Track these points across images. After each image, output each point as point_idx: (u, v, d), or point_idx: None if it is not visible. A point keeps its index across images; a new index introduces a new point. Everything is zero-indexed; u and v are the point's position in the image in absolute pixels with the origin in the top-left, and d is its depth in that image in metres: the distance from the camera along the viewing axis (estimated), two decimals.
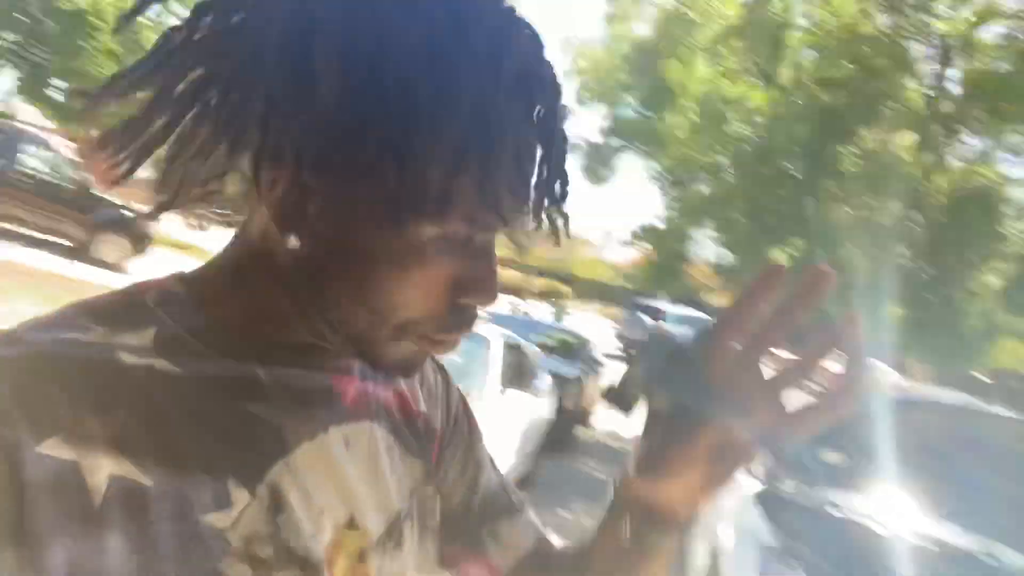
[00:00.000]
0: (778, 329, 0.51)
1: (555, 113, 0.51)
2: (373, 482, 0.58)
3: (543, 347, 9.51)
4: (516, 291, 25.16)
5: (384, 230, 0.47)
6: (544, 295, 30.38)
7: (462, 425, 0.71)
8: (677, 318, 19.60)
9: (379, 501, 0.58)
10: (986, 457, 3.63)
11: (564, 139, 0.52)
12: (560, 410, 7.94)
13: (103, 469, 0.44)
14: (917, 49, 8.09)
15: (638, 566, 0.58)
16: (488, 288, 0.50)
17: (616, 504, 0.59)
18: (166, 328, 0.50)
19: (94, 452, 0.43)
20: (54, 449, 0.42)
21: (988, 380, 17.26)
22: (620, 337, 19.66)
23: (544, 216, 0.53)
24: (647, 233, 9.66)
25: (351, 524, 0.55)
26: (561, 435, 8.11)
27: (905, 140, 8.16)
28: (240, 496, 0.48)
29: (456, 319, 0.50)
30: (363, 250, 0.48)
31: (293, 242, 0.49)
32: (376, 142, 0.45)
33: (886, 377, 10.22)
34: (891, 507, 4.05)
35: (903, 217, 7.74)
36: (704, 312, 21.56)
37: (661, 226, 9.62)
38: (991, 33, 7.71)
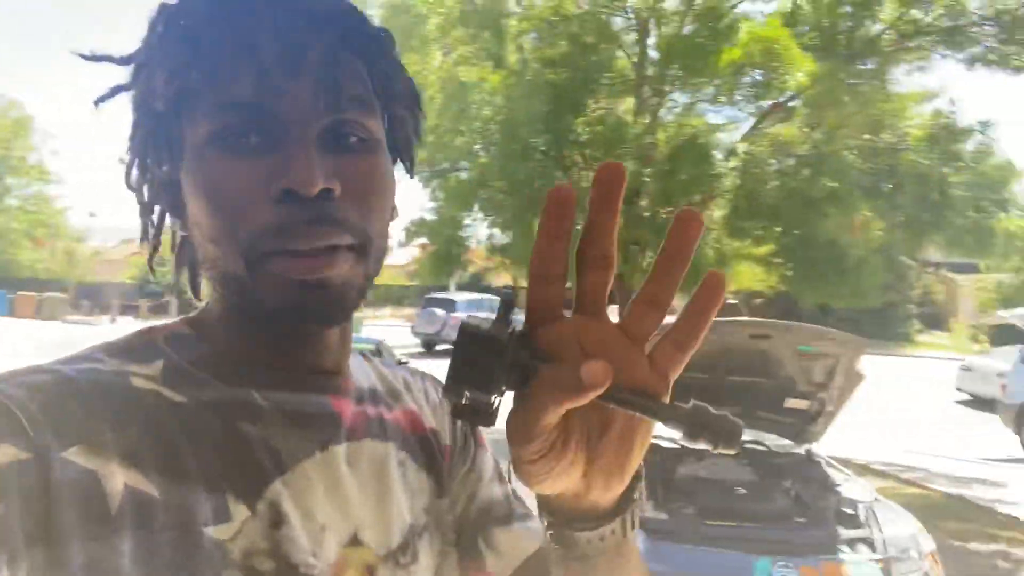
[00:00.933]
0: (597, 261, 0.46)
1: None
2: (381, 499, 0.60)
3: None
4: None
5: (186, 149, 0.53)
6: None
7: (469, 438, 0.73)
8: (467, 304, 20.19)
9: (388, 517, 0.60)
10: (739, 359, 4.28)
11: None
12: None
13: (118, 478, 0.47)
14: (618, 23, 9.04)
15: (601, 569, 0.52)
16: (297, 165, 0.49)
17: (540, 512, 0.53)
18: (172, 361, 0.55)
19: (110, 462, 0.47)
20: (76, 456, 0.46)
21: (734, 301, 19.82)
22: (416, 334, 19.82)
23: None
24: (420, 228, 9.79)
25: (355, 541, 0.57)
26: None
27: (624, 105, 9.09)
28: (239, 511, 0.51)
29: (290, 213, 0.50)
30: (193, 199, 0.54)
31: (176, 226, 0.59)
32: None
33: None
34: None
35: (636, 172, 8.62)
36: (492, 293, 22.37)
37: (432, 218, 9.81)
38: (673, 1, 8.79)
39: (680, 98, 9.40)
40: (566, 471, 0.46)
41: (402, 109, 0.60)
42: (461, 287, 23.85)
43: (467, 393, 0.44)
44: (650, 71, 8.99)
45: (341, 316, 0.56)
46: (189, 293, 0.63)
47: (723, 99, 8.73)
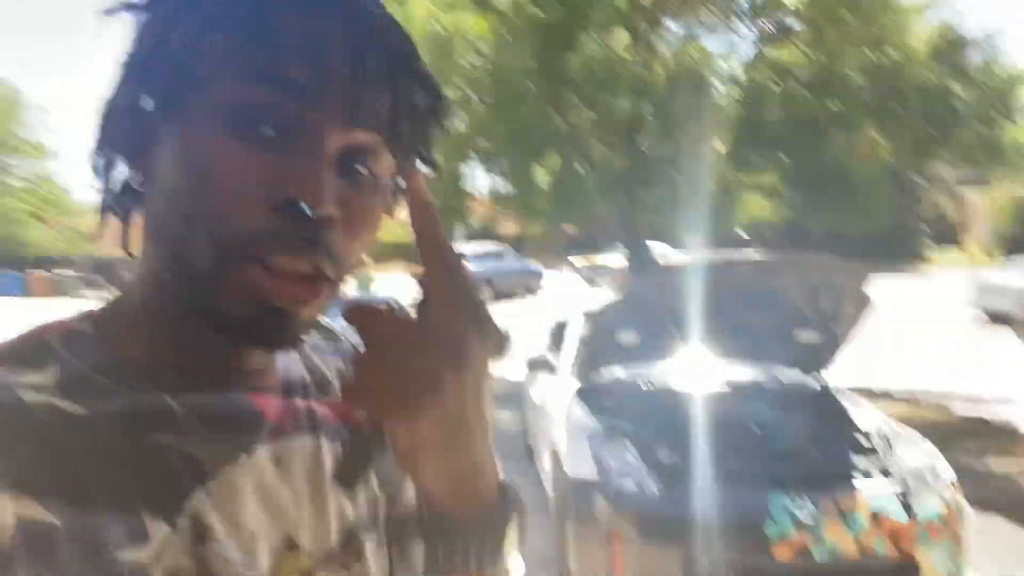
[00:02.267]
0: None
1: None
2: (315, 497, 0.56)
3: None
4: None
5: (181, 127, 0.47)
6: None
7: None
8: (475, 257, 20.16)
9: (325, 516, 0.56)
10: (749, 297, 4.22)
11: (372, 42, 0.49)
12: None
13: (8, 510, 0.42)
14: None
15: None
16: (310, 180, 0.45)
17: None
18: (69, 367, 0.48)
19: None
20: None
21: (744, 235, 19.67)
22: None
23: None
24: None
25: (291, 545, 0.53)
26: None
27: (618, 38, 8.83)
28: (157, 529, 0.46)
29: (284, 228, 0.46)
30: (174, 163, 0.48)
31: (137, 177, 0.50)
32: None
33: (666, 257, 11.22)
34: (688, 365, 4.59)
35: (635, 110, 8.44)
36: (496, 242, 22.29)
37: (430, 172, 9.69)
38: None
39: (676, 29, 9.14)
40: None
41: (413, 157, 0.54)
42: (468, 239, 23.78)
43: None
44: (645, 2, 8.71)
45: (290, 346, 0.51)
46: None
47: (720, 24, 8.46)
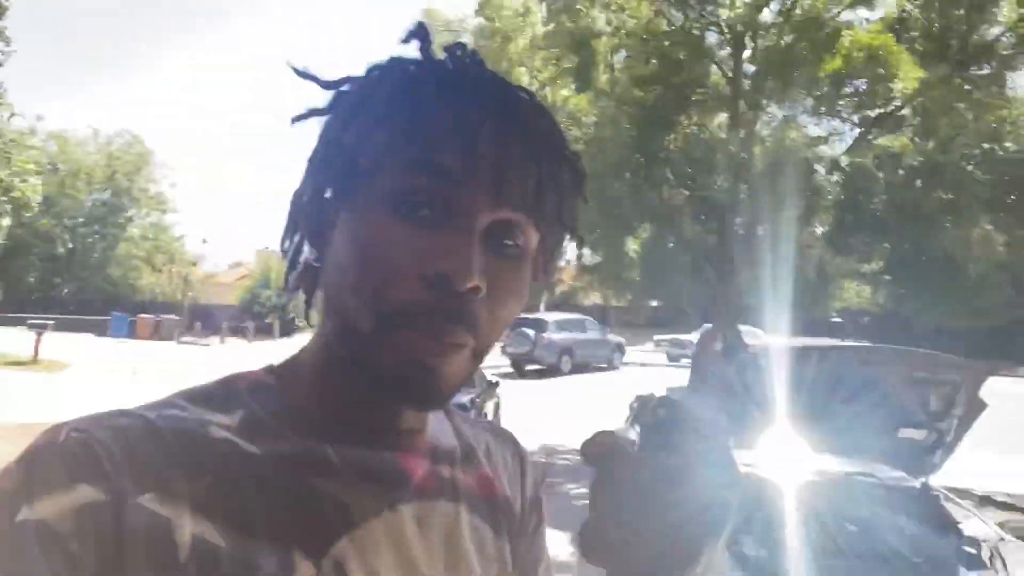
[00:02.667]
0: None
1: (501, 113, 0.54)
2: (451, 562, 0.59)
3: None
4: None
5: (351, 211, 0.54)
6: None
7: (536, 510, 0.71)
8: (556, 324, 20.14)
9: None
10: (847, 386, 4.04)
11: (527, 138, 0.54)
12: None
13: (187, 527, 0.48)
14: (711, 38, 8.86)
15: None
16: (458, 257, 0.50)
17: None
18: (252, 411, 0.55)
19: (182, 511, 0.48)
20: (151, 502, 0.47)
21: (839, 319, 18.91)
22: (507, 354, 19.92)
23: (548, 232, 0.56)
24: None
25: None
26: None
27: (718, 120, 8.89)
28: (304, 567, 0.50)
29: (436, 299, 0.51)
30: (346, 242, 0.54)
31: (312, 254, 0.58)
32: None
33: (756, 338, 10.88)
34: (776, 453, 4.40)
35: (732, 189, 8.39)
36: (579, 312, 22.23)
37: None
38: (770, 12, 8.56)
39: (778, 112, 9.10)
40: None
41: (559, 229, 0.59)
42: (550, 307, 23.84)
43: None
44: (746, 85, 8.75)
45: (439, 405, 0.56)
46: (292, 314, 0.63)
47: (824, 110, 8.38)
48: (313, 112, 0.59)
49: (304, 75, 0.59)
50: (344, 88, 0.58)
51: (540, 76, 8.80)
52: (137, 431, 0.50)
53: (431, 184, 0.52)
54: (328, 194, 0.57)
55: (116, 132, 38.32)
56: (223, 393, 0.57)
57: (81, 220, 37.75)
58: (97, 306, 33.25)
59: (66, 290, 36.88)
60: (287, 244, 0.61)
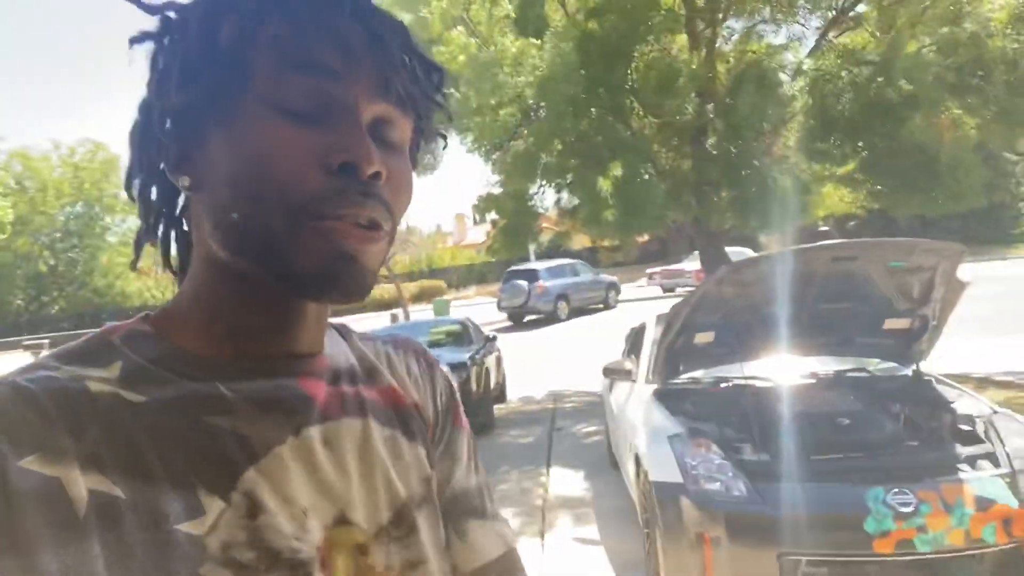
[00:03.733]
0: None
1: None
2: (366, 476, 0.59)
3: (433, 344, 9.60)
4: (393, 303, 24.97)
5: (235, 108, 0.53)
6: (422, 298, 30.26)
7: (449, 415, 0.72)
8: (548, 271, 20.16)
9: (375, 494, 0.59)
10: (828, 285, 4.07)
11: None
12: (469, 394, 8.09)
13: (81, 483, 0.47)
14: None
15: None
16: (358, 146, 0.52)
17: None
18: (130, 361, 0.54)
19: (71, 468, 0.47)
20: (35, 464, 0.46)
21: (825, 227, 18.99)
22: (503, 308, 19.98)
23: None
24: (488, 203, 9.78)
25: (343, 520, 0.56)
26: (481, 417, 8.29)
27: (678, 42, 8.75)
28: (213, 504, 0.50)
29: (345, 183, 0.52)
30: (232, 155, 0.53)
31: (184, 181, 0.56)
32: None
33: (744, 256, 10.93)
34: (770, 362, 4.45)
35: (700, 111, 8.30)
36: (570, 258, 22.24)
37: (498, 191, 9.79)
38: None
39: (736, 25, 8.96)
40: None
41: (426, 123, 0.62)
42: (540, 256, 23.84)
43: None
44: (700, 1, 8.59)
45: (363, 293, 0.55)
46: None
47: (782, 16, 8.24)
48: (146, 36, 0.57)
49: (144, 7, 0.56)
50: (170, 13, 0.56)
51: (489, 22, 8.61)
52: (7, 397, 0.48)
53: (316, 82, 0.53)
54: (193, 112, 0.55)
55: (78, 142, 37.62)
56: (96, 347, 0.56)
57: (58, 235, 37.36)
58: (89, 319, 33.12)
59: (55, 307, 36.64)
60: (136, 183, 0.59)
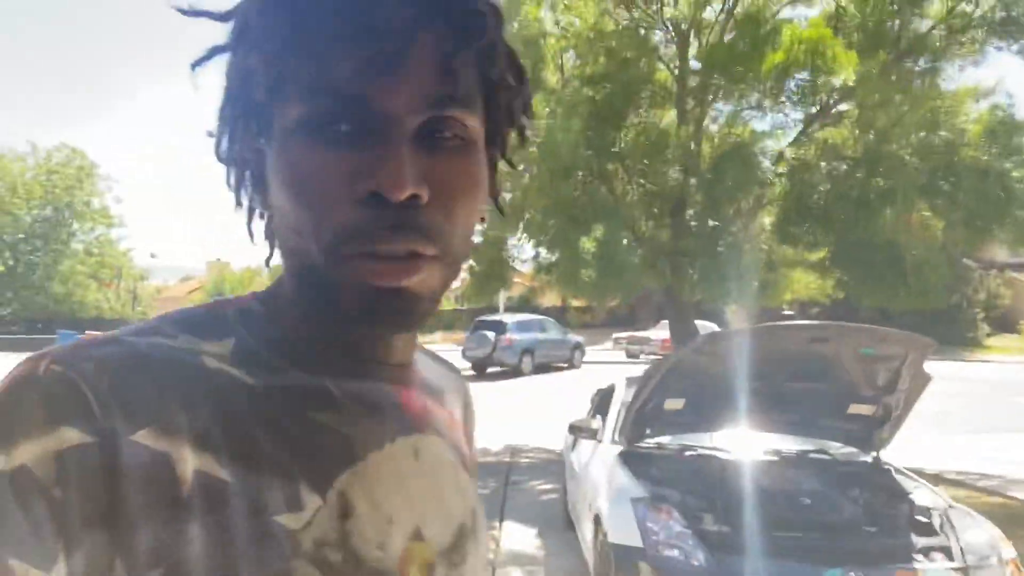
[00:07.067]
0: None
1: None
2: (438, 495, 0.59)
3: None
4: None
5: (274, 138, 0.51)
6: None
7: (471, 448, 0.72)
8: (517, 325, 20.19)
9: (447, 514, 0.59)
10: (798, 365, 4.15)
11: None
12: None
13: (189, 461, 0.46)
14: (658, 36, 9.01)
15: None
16: (386, 169, 0.47)
17: None
18: (243, 340, 0.53)
19: (182, 445, 0.46)
20: (146, 439, 0.45)
21: (789, 311, 19.37)
22: (467, 357, 19.88)
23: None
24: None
25: (418, 536, 0.55)
26: None
27: (667, 117, 9.03)
28: (312, 500, 0.49)
29: (374, 217, 0.48)
30: (276, 180, 0.51)
31: (255, 202, 0.57)
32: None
33: (711, 330, 11.07)
34: (734, 435, 4.49)
35: (681, 183, 8.53)
36: (539, 314, 22.33)
37: (477, 240, 9.85)
38: (713, 10, 8.74)
39: (724, 107, 9.30)
40: None
41: (505, 99, 0.56)
42: (509, 309, 23.88)
43: None
44: (692, 82, 8.92)
45: (414, 323, 0.54)
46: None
47: (768, 104, 8.58)
48: (216, 50, 0.54)
49: (194, 13, 0.54)
50: (236, 15, 0.53)
51: None
52: (125, 361, 0.47)
53: (341, 100, 0.48)
54: (252, 141, 0.54)
55: (55, 146, 37.15)
56: (211, 319, 0.55)
57: (21, 237, 36.49)
58: (42, 325, 32.14)
59: (8, 309, 35.54)
60: (241, 196, 0.58)
